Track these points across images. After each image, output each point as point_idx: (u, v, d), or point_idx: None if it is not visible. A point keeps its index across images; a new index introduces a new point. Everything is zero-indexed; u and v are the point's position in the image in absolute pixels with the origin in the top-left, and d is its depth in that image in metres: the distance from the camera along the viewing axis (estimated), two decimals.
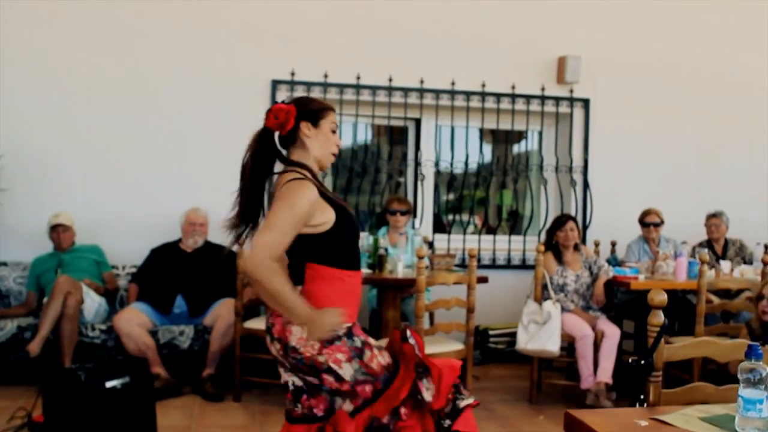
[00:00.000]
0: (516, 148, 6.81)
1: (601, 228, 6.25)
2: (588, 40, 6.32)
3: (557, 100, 6.34)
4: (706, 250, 5.54)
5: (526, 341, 4.81)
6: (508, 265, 6.28)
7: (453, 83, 6.15)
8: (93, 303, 5.09)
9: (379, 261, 4.86)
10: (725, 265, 5.36)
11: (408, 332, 2.50)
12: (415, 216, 6.08)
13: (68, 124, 5.65)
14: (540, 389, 5.00)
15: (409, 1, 6.10)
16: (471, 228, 6.38)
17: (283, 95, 5.91)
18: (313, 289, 2.40)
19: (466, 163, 6.26)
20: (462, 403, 2.51)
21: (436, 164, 6.23)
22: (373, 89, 5.99)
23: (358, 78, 5.99)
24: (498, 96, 6.23)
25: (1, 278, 5.40)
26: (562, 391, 5.10)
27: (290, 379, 2.46)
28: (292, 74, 5.89)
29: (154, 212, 5.71)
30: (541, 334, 4.74)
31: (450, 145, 6.23)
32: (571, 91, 6.35)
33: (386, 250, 4.99)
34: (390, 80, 6.03)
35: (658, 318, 2.16)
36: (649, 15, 6.47)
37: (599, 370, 4.71)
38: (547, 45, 6.29)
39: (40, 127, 5.61)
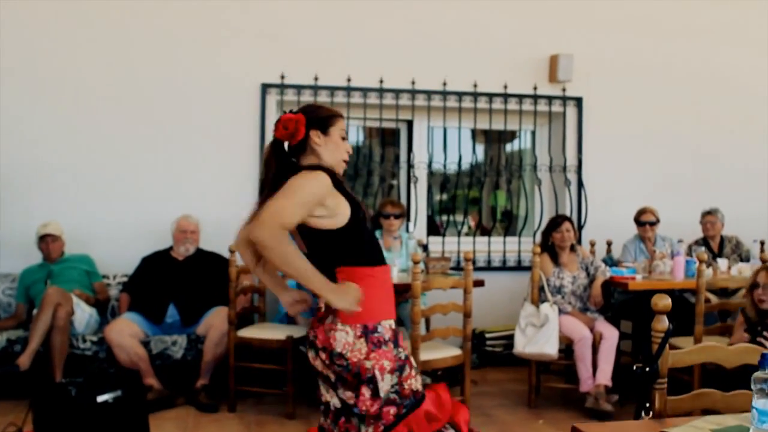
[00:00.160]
0: (509, 148, 6.76)
1: (597, 228, 6.20)
2: (580, 38, 6.27)
3: (550, 99, 6.29)
4: (702, 249, 5.51)
5: (524, 344, 4.75)
6: (504, 267, 6.23)
7: (445, 84, 6.10)
8: (84, 314, 5.01)
9: None
10: (722, 263, 5.32)
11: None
12: (408, 219, 6.02)
13: (56, 132, 5.57)
14: (538, 393, 4.94)
15: (399, 2, 6.04)
16: (465, 229, 6.31)
17: (273, 99, 5.85)
18: None
19: (459, 165, 6.21)
20: None
21: (429, 166, 6.17)
22: (364, 91, 5.93)
23: (349, 80, 5.93)
24: (490, 96, 6.18)
25: None
26: (560, 394, 5.04)
27: (332, 400, 2.49)
28: (282, 77, 5.83)
29: (144, 220, 5.64)
30: (538, 337, 4.69)
31: (443, 147, 6.17)
32: (564, 89, 6.30)
33: None
34: (381, 82, 5.97)
35: (663, 323, 2.09)
36: (642, 13, 6.43)
37: (598, 373, 4.66)
38: (538, 43, 6.24)
39: (27, 136, 5.53)
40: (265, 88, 5.82)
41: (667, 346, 2.09)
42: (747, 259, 5.76)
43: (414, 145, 6.24)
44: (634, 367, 2.10)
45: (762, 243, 5.86)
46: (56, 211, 5.45)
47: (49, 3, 5.55)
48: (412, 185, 6.14)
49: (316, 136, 2.46)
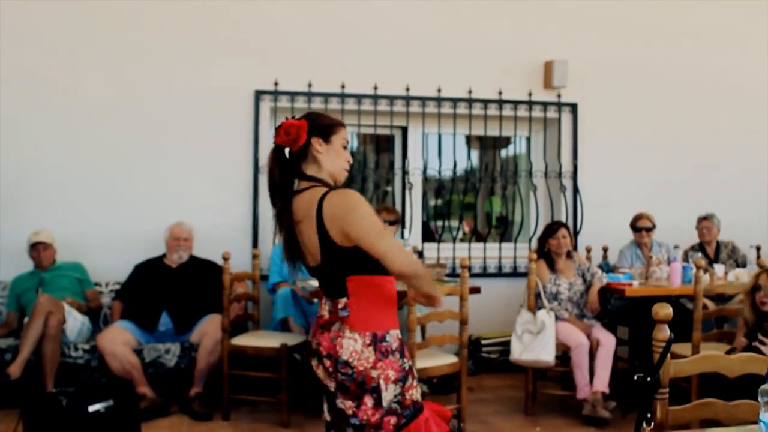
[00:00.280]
0: (504, 154, 6.74)
1: (592, 234, 6.17)
2: (575, 44, 6.26)
3: (545, 105, 6.27)
4: (699, 254, 5.49)
5: (521, 351, 4.72)
6: (500, 273, 6.20)
7: (439, 90, 6.07)
8: (75, 322, 4.95)
9: None
10: (719, 268, 5.30)
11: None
12: (403, 226, 5.99)
13: (47, 139, 5.52)
14: (535, 400, 4.91)
15: (392, 8, 6.02)
16: (460, 235, 6.27)
17: (266, 106, 5.82)
18: (359, 299, 2.38)
19: (454, 171, 6.18)
20: None
21: (424, 172, 6.14)
22: (359, 98, 5.90)
23: (343, 87, 5.90)
24: (485, 102, 6.15)
25: None
26: (557, 401, 5.01)
27: (325, 411, 2.48)
28: (276, 84, 5.79)
29: (137, 227, 5.59)
30: (535, 344, 4.66)
31: (437, 153, 6.14)
32: (559, 95, 6.28)
33: None
34: (375, 88, 5.94)
35: (664, 333, 2.06)
36: (637, 18, 6.42)
37: (595, 379, 4.63)
38: (533, 49, 6.22)
39: (18, 142, 5.47)
40: (259, 95, 5.79)
41: (669, 355, 2.05)
42: (743, 265, 5.75)
43: (409, 151, 6.21)
44: (635, 377, 2.07)
45: (758, 248, 5.84)
46: (48, 218, 5.40)
47: (44, 9, 5.51)
48: (406, 192, 6.10)
49: (317, 144, 2.44)
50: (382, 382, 2.33)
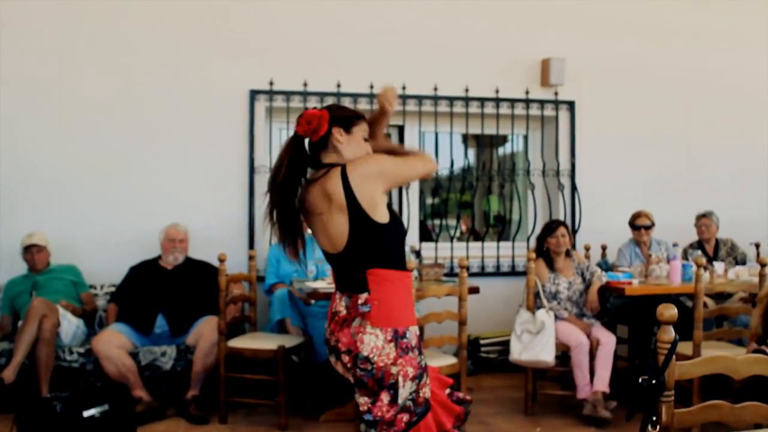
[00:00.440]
0: (501, 153, 6.70)
1: (591, 232, 6.14)
2: (572, 41, 6.21)
3: (542, 103, 6.23)
4: (699, 252, 5.46)
5: (520, 351, 4.67)
6: (498, 273, 6.16)
7: (436, 89, 6.03)
8: (70, 325, 4.90)
9: None
10: (719, 266, 5.26)
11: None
12: None
13: (41, 140, 5.47)
14: (535, 400, 4.87)
15: (389, 7, 5.98)
16: (457, 234, 6.23)
17: (261, 105, 5.77)
18: (381, 293, 2.38)
19: (451, 169, 6.14)
20: None
21: None
22: (355, 97, 5.85)
23: (339, 86, 5.85)
24: (482, 100, 6.11)
25: None
26: (557, 401, 4.96)
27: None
28: (271, 84, 5.75)
29: (132, 229, 5.54)
30: (534, 344, 4.62)
31: (434, 152, 6.09)
32: (556, 93, 6.24)
33: None
34: (371, 87, 5.89)
35: (669, 334, 2.02)
36: (634, 16, 6.38)
37: (596, 379, 4.59)
38: (530, 47, 6.18)
39: (11, 143, 5.42)
40: (254, 94, 5.74)
41: (674, 357, 2.01)
42: (743, 262, 5.72)
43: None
44: (640, 380, 2.03)
45: (757, 245, 5.81)
46: (42, 220, 5.35)
47: (38, 8, 5.46)
48: (403, 190, 6.06)
49: (338, 134, 2.46)
50: (400, 378, 2.35)
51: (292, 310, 5.00)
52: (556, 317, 4.76)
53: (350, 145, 2.47)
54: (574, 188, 6.26)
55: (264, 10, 5.78)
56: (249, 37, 5.73)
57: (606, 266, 5.53)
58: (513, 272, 6.15)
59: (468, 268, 4.45)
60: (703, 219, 5.85)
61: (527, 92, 6.18)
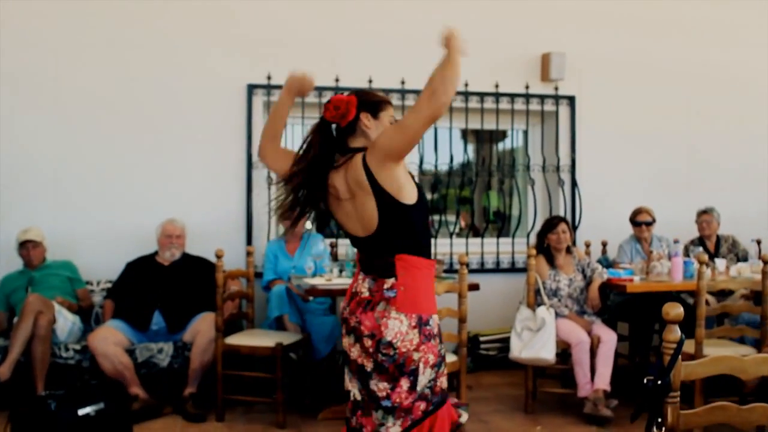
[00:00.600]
0: (501, 148, 6.65)
1: (591, 228, 6.09)
2: (572, 36, 6.16)
3: (542, 98, 6.18)
4: (700, 249, 5.41)
5: (520, 349, 4.63)
6: (497, 269, 6.11)
7: None
8: (66, 322, 4.85)
9: None
10: (720, 263, 5.22)
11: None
12: None
13: (37, 135, 5.42)
14: (535, 398, 4.83)
15: (387, 1, 5.92)
16: (456, 230, 6.18)
17: (259, 100, 5.73)
18: (408, 278, 2.39)
19: (451, 165, 6.09)
20: None
21: (420, 166, 6.05)
22: (353, 91, 5.78)
23: (337, 80, 5.80)
24: (481, 95, 6.06)
25: None
26: (558, 399, 4.93)
27: (353, 390, 2.48)
28: (269, 78, 5.69)
29: (128, 224, 5.50)
30: (535, 341, 4.57)
31: (433, 147, 6.04)
32: (556, 88, 6.19)
33: None
34: (370, 82, 5.84)
35: (675, 334, 1.98)
36: (635, 11, 6.32)
37: (596, 377, 4.55)
38: (530, 42, 6.13)
39: (6, 138, 5.37)
40: (252, 89, 5.70)
41: (680, 357, 1.97)
42: (744, 259, 5.67)
43: None
44: (645, 380, 1.99)
45: (759, 242, 5.77)
46: (37, 215, 5.31)
47: (33, 4, 5.40)
48: None
49: (366, 119, 2.47)
50: (421, 365, 2.36)
51: (290, 307, 4.95)
52: (557, 314, 4.72)
53: (378, 130, 2.46)
54: (574, 184, 6.21)
55: (262, 4, 5.72)
56: (247, 31, 5.68)
57: (606, 263, 5.49)
58: (513, 269, 6.11)
59: (468, 265, 4.41)
60: (704, 215, 5.80)
61: (527, 87, 6.13)
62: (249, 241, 5.63)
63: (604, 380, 4.54)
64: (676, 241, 5.38)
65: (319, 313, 5.10)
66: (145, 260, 5.21)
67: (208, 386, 4.69)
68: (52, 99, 5.44)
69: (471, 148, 6.48)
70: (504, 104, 6.12)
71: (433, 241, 6.01)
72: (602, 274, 4.87)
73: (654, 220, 5.55)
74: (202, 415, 4.56)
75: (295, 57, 5.72)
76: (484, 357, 5.86)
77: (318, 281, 4.58)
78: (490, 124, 6.13)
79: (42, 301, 4.68)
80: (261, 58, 5.70)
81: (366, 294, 2.44)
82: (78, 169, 5.48)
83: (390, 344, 2.34)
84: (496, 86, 6.09)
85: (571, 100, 6.23)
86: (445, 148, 6.07)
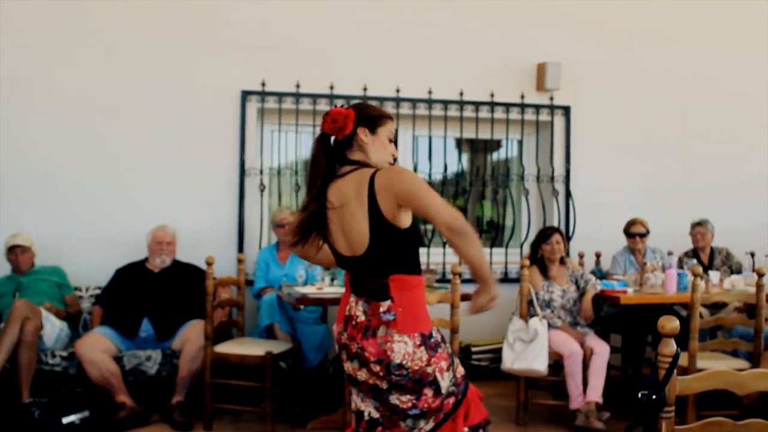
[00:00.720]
0: (495, 158, 6.62)
1: (585, 239, 6.06)
2: (568, 46, 6.14)
3: (537, 107, 6.15)
4: (694, 261, 5.39)
5: (512, 360, 4.59)
6: None
7: (430, 92, 5.95)
8: (53, 328, 4.79)
9: None
10: (714, 275, 5.19)
11: None
12: None
13: (26, 139, 5.37)
14: (527, 409, 4.78)
15: (383, 9, 5.90)
16: None
17: (253, 106, 5.69)
18: (403, 299, 2.37)
19: (445, 174, 6.05)
20: None
21: None
22: (348, 99, 5.76)
23: (332, 88, 5.77)
24: (476, 104, 6.03)
25: None
26: (550, 411, 4.88)
27: (368, 409, 2.46)
28: (263, 85, 5.66)
29: (118, 230, 5.45)
30: (527, 352, 4.53)
31: (428, 156, 6.01)
32: (552, 98, 6.17)
33: None
34: (365, 89, 5.81)
35: (671, 347, 1.94)
36: (630, 23, 6.31)
37: (589, 389, 4.51)
38: (526, 51, 6.11)
39: None
40: (246, 95, 5.66)
41: (675, 372, 1.93)
42: (738, 272, 5.65)
43: (399, 153, 6.07)
44: (639, 395, 1.94)
45: (752, 255, 5.75)
46: (26, 220, 5.25)
47: (23, 7, 5.36)
48: None
49: (363, 134, 2.46)
50: (437, 374, 2.36)
51: (281, 315, 4.90)
52: (550, 326, 4.68)
53: (375, 145, 2.47)
54: (568, 194, 6.18)
55: (257, 10, 5.69)
56: (241, 37, 5.65)
57: (600, 274, 5.46)
58: (506, 279, 6.07)
59: (460, 275, 4.37)
60: (698, 227, 5.79)
61: (522, 97, 6.11)
62: (240, 249, 5.58)
63: (596, 392, 4.50)
64: (670, 253, 5.36)
65: (310, 322, 5.05)
66: (134, 266, 5.16)
67: (196, 395, 4.63)
68: (44, 103, 5.40)
69: (465, 157, 6.46)
70: (499, 114, 6.09)
71: (426, 250, 5.97)
72: (595, 286, 4.84)
73: (648, 232, 5.52)
74: (189, 424, 4.50)
75: (290, 64, 5.72)
76: (476, 368, 5.81)
77: (309, 290, 4.54)
78: (484, 134, 6.10)
79: (29, 306, 4.62)
80: (255, 65, 5.67)
81: (362, 318, 2.40)
82: (69, 174, 5.43)
83: (401, 366, 2.33)
84: (492, 95, 6.07)
85: (567, 110, 6.21)
86: (440, 157, 6.04)
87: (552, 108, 6.18)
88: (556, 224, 6.05)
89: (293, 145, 5.88)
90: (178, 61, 5.58)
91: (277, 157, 5.83)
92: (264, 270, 5.25)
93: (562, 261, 4.94)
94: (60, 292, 5.11)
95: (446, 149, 6.08)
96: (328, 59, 5.78)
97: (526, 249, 5.53)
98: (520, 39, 6.12)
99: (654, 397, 1.93)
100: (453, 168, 6.12)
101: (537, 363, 4.51)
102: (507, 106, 6.09)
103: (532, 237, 5.31)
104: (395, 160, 2.55)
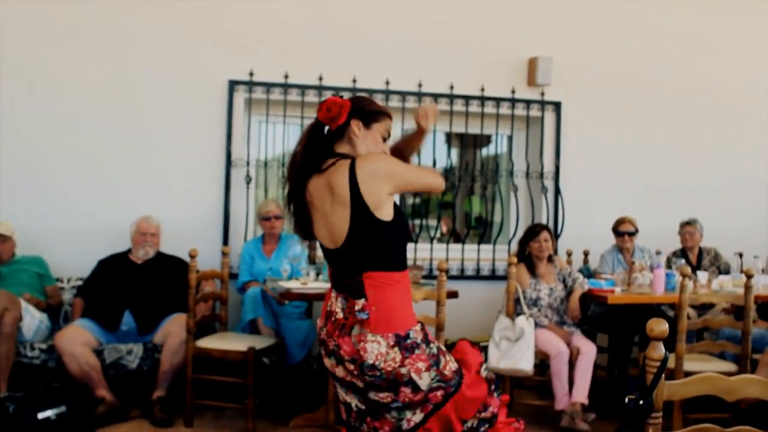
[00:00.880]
0: (485, 153, 6.56)
1: (574, 237, 6.01)
2: (560, 41, 6.08)
3: (528, 103, 6.09)
4: (682, 261, 5.35)
5: (498, 359, 4.54)
6: (477, 276, 6.02)
7: (420, 85, 5.88)
8: (33, 320, 4.71)
9: None
10: (702, 276, 5.15)
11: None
12: None
13: (7, 127, 5.27)
14: (511, 409, 4.71)
15: (373, 0, 5.82)
16: (437, 234, 6.09)
17: (240, 96, 5.60)
18: (378, 297, 2.33)
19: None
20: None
21: None
22: (337, 91, 5.69)
23: (321, 79, 5.69)
24: (466, 98, 5.97)
25: None
26: (535, 411, 4.83)
27: (353, 401, 2.43)
28: (251, 74, 5.58)
29: (102, 221, 5.36)
30: (513, 351, 4.49)
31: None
32: (542, 93, 6.11)
33: None
34: (354, 81, 5.74)
35: (659, 351, 1.89)
36: (623, 19, 6.25)
37: (575, 390, 4.47)
38: (517, 46, 6.04)
39: None
40: (233, 85, 5.57)
41: (663, 376, 1.88)
42: (726, 272, 5.62)
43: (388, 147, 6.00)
44: (626, 400, 1.89)
45: (741, 255, 5.72)
46: (8, 209, 5.15)
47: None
48: None
49: (356, 127, 2.42)
50: (413, 374, 2.31)
51: (265, 310, 4.83)
52: (536, 324, 4.64)
53: (366, 140, 2.44)
54: (557, 191, 6.13)
55: None
56: (229, 26, 5.56)
57: (588, 272, 5.41)
58: (493, 276, 6.02)
59: (447, 271, 4.31)
60: (687, 227, 5.75)
61: (513, 91, 6.05)
62: (226, 241, 5.50)
63: (582, 393, 4.46)
64: (658, 253, 5.33)
65: (294, 317, 4.98)
66: (117, 258, 5.08)
67: (177, 390, 4.56)
68: (23, 93, 5.29)
69: (455, 152, 6.40)
70: (489, 108, 6.03)
71: (413, 245, 5.92)
72: (583, 285, 4.80)
73: (637, 231, 5.48)
74: (169, 420, 4.44)
75: (279, 53, 5.64)
76: None
77: (293, 284, 4.47)
78: (474, 128, 6.04)
79: (8, 297, 4.54)
80: (243, 54, 5.58)
81: (340, 315, 2.37)
82: (51, 163, 5.33)
83: (373, 366, 2.30)
84: (482, 90, 6.00)
85: (557, 106, 6.15)
86: (429, 152, 5.98)
87: (543, 103, 6.12)
88: (544, 221, 6.00)
89: (281, 136, 5.80)
90: (164, 49, 5.48)
91: (264, 148, 5.75)
92: (249, 263, 5.18)
93: (550, 259, 4.89)
94: (41, 283, 5.03)
95: (435, 143, 6.01)
96: (317, 50, 5.70)
97: (514, 246, 5.48)
98: (512, 33, 6.06)
99: (641, 402, 1.88)
100: (442, 162, 6.06)
101: (523, 362, 4.46)
102: (497, 100, 6.03)
103: (520, 234, 5.26)
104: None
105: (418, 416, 2.36)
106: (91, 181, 5.38)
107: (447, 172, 6.07)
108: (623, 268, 5.35)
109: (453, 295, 4.43)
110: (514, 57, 6.05)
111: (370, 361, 2.28)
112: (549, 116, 6.16)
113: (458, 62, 5.97)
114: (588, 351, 4.56)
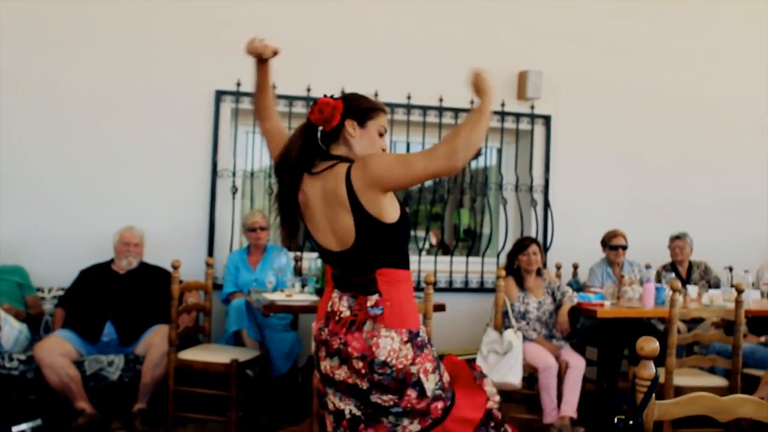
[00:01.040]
0: (474, 165, 6.52)
1: (563, 250, 5.97)
2: (550, 55, 6.06)
3: (518, 116, 6.06)
4: (672, 275, 5.32)
5: (486, 372, 4.47)
6: (466, 288, 5.97)
7: (409, 97, 5.84)
8: (12, 330, 4.61)
9: None
10: (692, 290, 5.13)
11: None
12: None
13: None
14: None
15: (362, 11, 5.78)
16: (426, 246, 6.04)
17: (227, 107, 5.55)
18: (390, 294, 2.28)
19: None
20: None
21: None
22: None
23: (309, 90, 5.64)
24: (456, 111, 5.93)
25: None
26: (523, 425, 4.75)
27: (348, 407, 2.34)
28: (238, 85, 5.52)
29: (84, 230, 5.27)
30: (501, 365, 4.42)
31: None
32: (532, 107, 6.08)
33: None
34: (342, 93, 5.68)
35: (649, 370, 1.83)
36: (614, 33, 6.24)
37: (563, 404, 4.42)
38: (507, 59, 6.01)
39: None
40: (220, 95, 5.52)
41: (654, 396, 1.83)
42: (716, 286, 5.59)
43: None
44: (616, 420, 1.84)
45: (731, 269, 5.70)
46: None
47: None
48: None
49: (351, 127, 2.35)
50: (422, 375, 2.26)
51: (249, 322, 4.76)
52: (525, 338, 4.58)
53: (362, 140, 2.36)
54: (547, 204, 6.10)
55: (232, 8, 5.55)
56: (216, 35, 5.49)
57: (577, 286, 5.37)
58: (481, 288, 5.97)
59: (435, 284, 4.25)
60: (677, 241, 5.73)
61: (503, 104, 6.01)
62: (211, 252, 5.43)
63: (570, 407, 4.41)
64: (648, 266, 5.29)
65: (279, 329, 4.91)
66: (99, 268, 5.00)
67: (159, 402, 4.48)
68: (6, 102, 5.21)
69: None
70: None
71: None
72: (572, 298, 4.75)
73: (627, 244, 5.45)
74: None
75: None
76: None
77: (278, 296, 4.39)
78: None
79: None
80: (230, 64, 5.49)
81: (347, 314, 2.30)
82: (33, 171, 5.25)
83: (384, 363, 2.22)
84: (472, 102, 5.96)
85: (547, 119, 6.13)
86: None
87: (532, 117, 6.09)
88: (533, 234, 5.96)
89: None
90: (151, 58, 5.42)
91: (250, 159, 5.69)
92: (233, 274, 5.11)
93: (538, 272, 4.84)
94: (21, 293, 4.93)
95: None
96: (305, 61, 5.64)
97: (503, 259, 5.43)
98: (502, 46, 6.02)
99: (631, 422, 1.82)
100: None
101: (511, 376, 4.40)
102: None
103: (509, 247, 5.21)
104: None
105: (415, 426, 2.29)
106: (75, 191, 5.30)
107: (436, 185, 6.03)
108: (612, 282, 5.31)
109: (440, 308, 4.37)
110: (504, 70, 6.01)
111: (382, 358, 2.22)
112: (539, 129, 6.13)
113: (448, 75, 5.88)
114: (577, 365, 4.51)
